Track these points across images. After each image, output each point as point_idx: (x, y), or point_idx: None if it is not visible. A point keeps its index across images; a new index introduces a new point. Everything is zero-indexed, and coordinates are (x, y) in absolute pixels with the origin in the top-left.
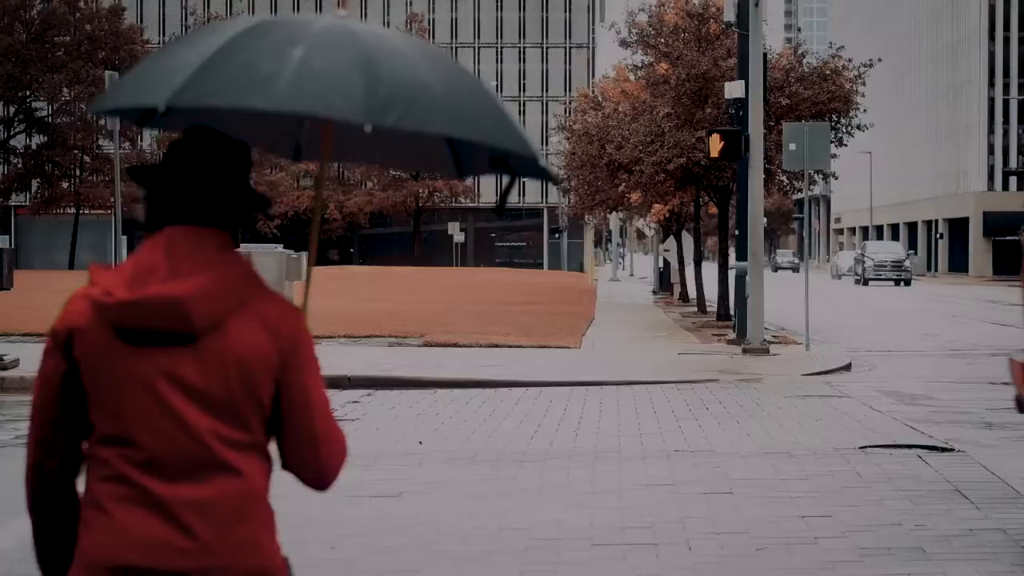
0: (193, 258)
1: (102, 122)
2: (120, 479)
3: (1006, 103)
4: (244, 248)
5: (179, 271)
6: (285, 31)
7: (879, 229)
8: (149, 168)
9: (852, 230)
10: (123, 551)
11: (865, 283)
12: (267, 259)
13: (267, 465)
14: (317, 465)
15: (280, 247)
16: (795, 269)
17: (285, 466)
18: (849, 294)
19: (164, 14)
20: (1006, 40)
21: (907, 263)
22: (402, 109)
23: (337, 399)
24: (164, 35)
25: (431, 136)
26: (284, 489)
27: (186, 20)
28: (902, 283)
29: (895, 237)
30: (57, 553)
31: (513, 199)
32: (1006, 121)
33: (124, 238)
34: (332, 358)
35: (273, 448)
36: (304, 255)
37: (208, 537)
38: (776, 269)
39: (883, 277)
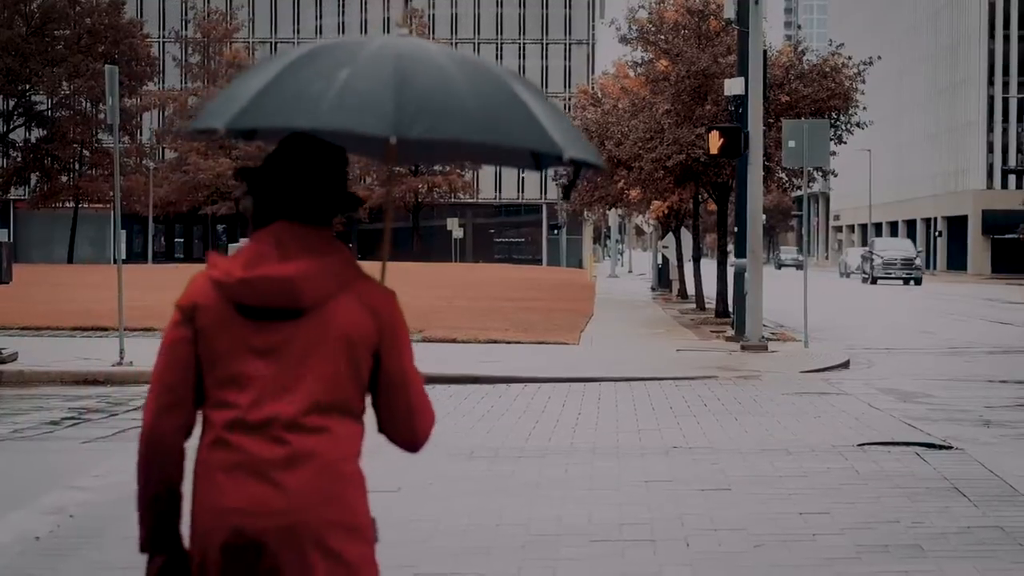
0: (299, 247)
1: (101, 116)
2: (225, 443)
3: (1005, 101)
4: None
5: (288, 257)
6: (338, 54)
7: (878, 227)
8: (255, 170)
9: (851, 227)
10: (230, 513)
11: (873, 281)
12: None
13: (361, 429)
14: (411, 433)
15: None
16: (799, 266)
17: (381, 430)
18: (854, 292)
19: (164, 8)
20: (1006, 38)
21: (918, 261)
22: (429, 121)
23: None
24: (164, 29)
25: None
26: None
27: (186, 14)
28: (912, 282)
29: (894, 235)
30: (160, 503)
31: (512, 195)
32: (1005, 119)
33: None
34: None
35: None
36: None
37: (306, 495)
38: (780, 266)
39: (892, 276)
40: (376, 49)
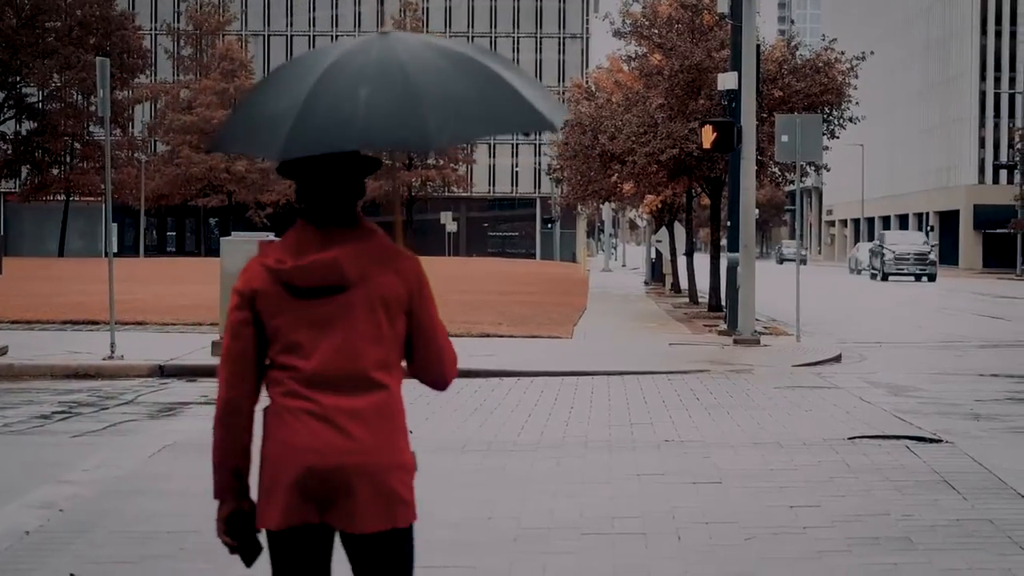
0: (338, 235)
1: (92, 108)
2: (295, 394)
3: (997, 96)
4: (235, 236)
5: (330, 244)
6: (349, 71)
7: (870, 221)
8: (299, 174)
9: (844, 222)
10: (298, 452)
11: (884, 278)
12: (257, 247)
13: (401, 375)
14: (440, 375)
15: (271, 235)
16: (802, 261)
17: (411, 374)
18: (862, 289)
19: (156, 0)
20: (997, 34)
21: (932, 255)
22: (453, 129)
23: None
24: (156, 21)
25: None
26: None
27: (178, 7)
28: (925, 278)
29: (886, 229)
30: (231, 459)
31: (506, 189)
32: (997, 115)
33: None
34: None
35: None
36: None
37: (363, 438)
38: (781, 261)
39: (905, 272)
40: (379, 60)
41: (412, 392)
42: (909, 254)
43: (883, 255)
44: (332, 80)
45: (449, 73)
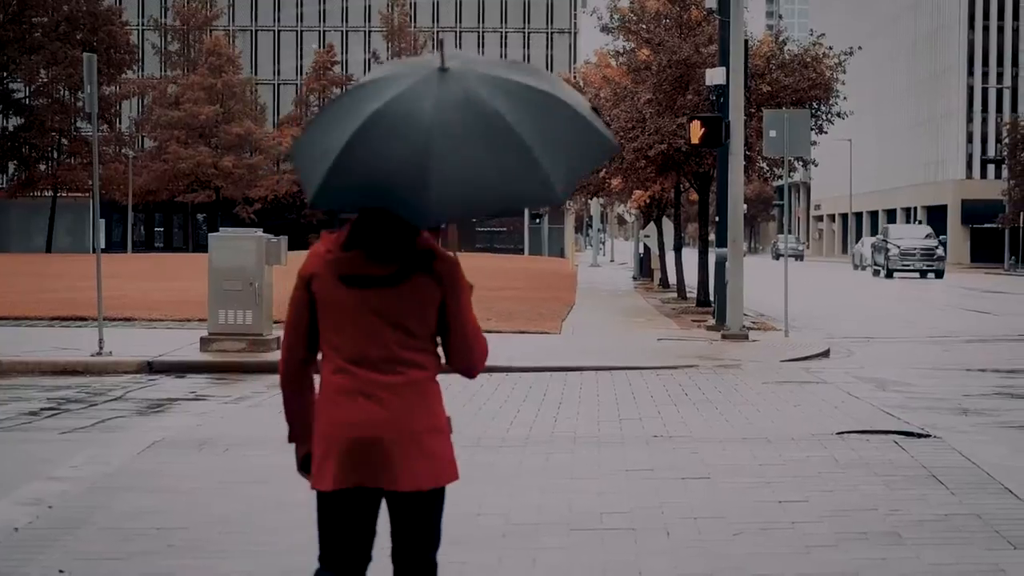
0: (392, 234)
1: (80, 104)
2: (343, 370)
3: (985, 91)
4: (223, 232)
5: (383, 243)
6: (385, 126)
7: (858, 216)
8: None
9: (832, 217)
10: (344, 426)
11: (889, 275)
12: (246, 243)
13: (437, 358)
14: (469, 363)
15: (259, 231)
16: (799, 257)
17: (447, 362)
18: (863, 286)
19: None
20: (985, 28)
21: (940, 251)
22: (458, 211)
23: (317, 383)
24: (143, 17)
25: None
26: (266, 474)
27: (165, 2)
28: (932, 275)
29: (874, 225)
30: (298, 412)
31: None
32: (984, 109)
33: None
34: None
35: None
36: (283, 239)
37: (398, 408)
38: (777, 256)
39: (911, 268)
40: (409, 118)
41: None
42: (915, 249)
43: (888, 250)
44: (368, 134)
45: (471, 145)
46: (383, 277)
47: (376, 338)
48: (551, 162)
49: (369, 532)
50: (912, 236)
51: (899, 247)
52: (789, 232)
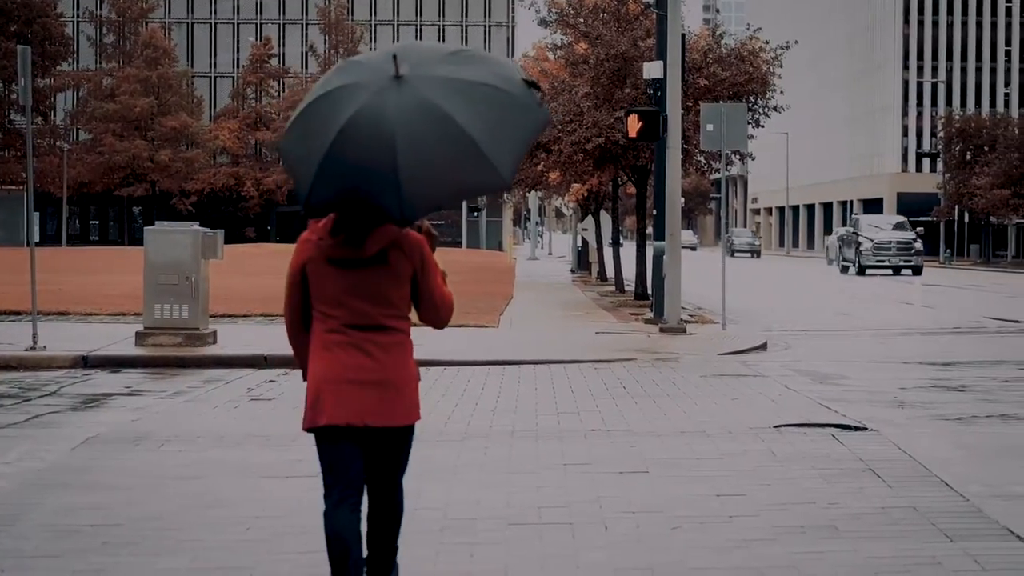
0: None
1: (14, 96)
2: (335, 331)
3: (920, 85)
4: (159, 225)
5: (361, 228)
6: (357, 137)
7: (795, 209)
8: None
9: (768, 210)
10: (336, 371)
11: (861, 271)
12: (182, 237)
13: (410, 321)
14: (437, 319)
15: (196, 225)
16: (756, 253)
17: (421, 319)
18: (830, 283)
19: None
20: (920, 23)
21: (918, 244)
22: (423, 203)
23: (253, 379)
24: (78, 9)
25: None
26: (201, 470)
27: None
28: (908, 271)
29: (811, 218)
30: (304, 360)
31: None
32: (920, 103)
33: (37, 214)
34: (249, 337)
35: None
36: (220, 233)
37: (385, 361)
38: (733, 252)
39: (886, 264)
40: (377, 128)
41: None
42: (890, 243)
43: (859, 244)
44: (342, 146)
45: (429, 148)
46: (365, 259)
47: (361, 307)
48: (497, 152)
49: (359, 463)
50: (886, 227)
51: (872, 240)
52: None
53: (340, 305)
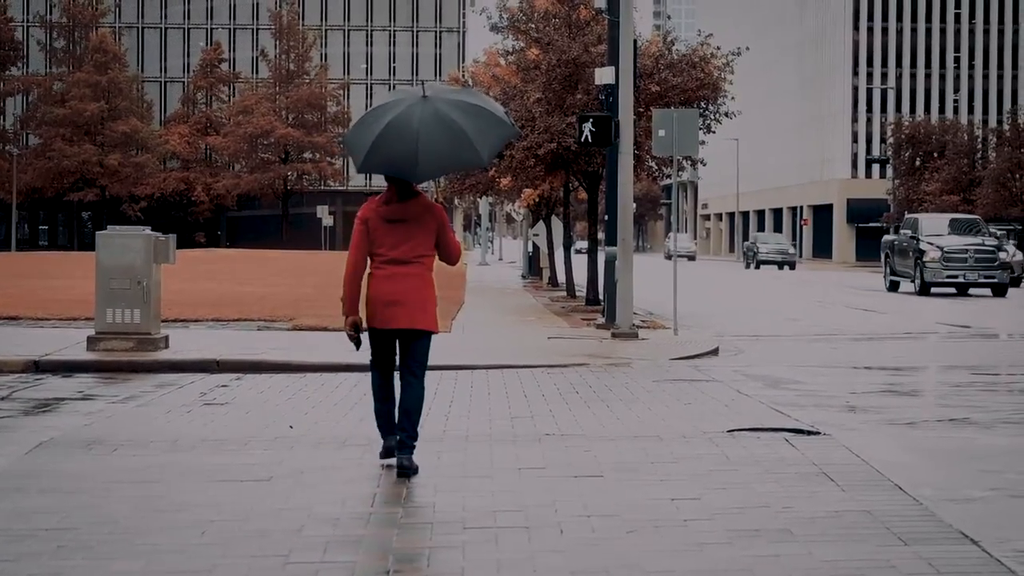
0: (406, 193)
1: None
2: (382, 267)
3: (869, 91)
4: (111, 230)
5: (403, 199)
6: (395, 129)
7: (745, 215)
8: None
9: (719, 216)
10: (384, 292)
11: (924, 290)
12: (134, 241)
13: (433, 258)
14: (451, 259)
15: (147, 229)
16: (690, 257)
17: (440, 258)
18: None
19: None
20: (869, 30)
21: (1004, 253)
22: (434, 171)
23: (206, 383)
24: (28, 13)
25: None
26: (155, 474)
27: None
28: (990, 290)
29: (761, 224)
30: (353, 298)
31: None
32: (869, 109)
33: None
34: (201, 341)
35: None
36: (172, 238)
37: (412, 285)
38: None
39: (961, 280)
40: (407, 127)
41: (291, 386)
42: (966, 251)
43: (921, 253)
44: (388, 130)
45: (436, 135)
46: (409, 219)
47: (402, 249)
48: (480, 144)
49: (393, 351)
50: (956, 230)
51: (940, 248)
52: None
53: (390, 248)
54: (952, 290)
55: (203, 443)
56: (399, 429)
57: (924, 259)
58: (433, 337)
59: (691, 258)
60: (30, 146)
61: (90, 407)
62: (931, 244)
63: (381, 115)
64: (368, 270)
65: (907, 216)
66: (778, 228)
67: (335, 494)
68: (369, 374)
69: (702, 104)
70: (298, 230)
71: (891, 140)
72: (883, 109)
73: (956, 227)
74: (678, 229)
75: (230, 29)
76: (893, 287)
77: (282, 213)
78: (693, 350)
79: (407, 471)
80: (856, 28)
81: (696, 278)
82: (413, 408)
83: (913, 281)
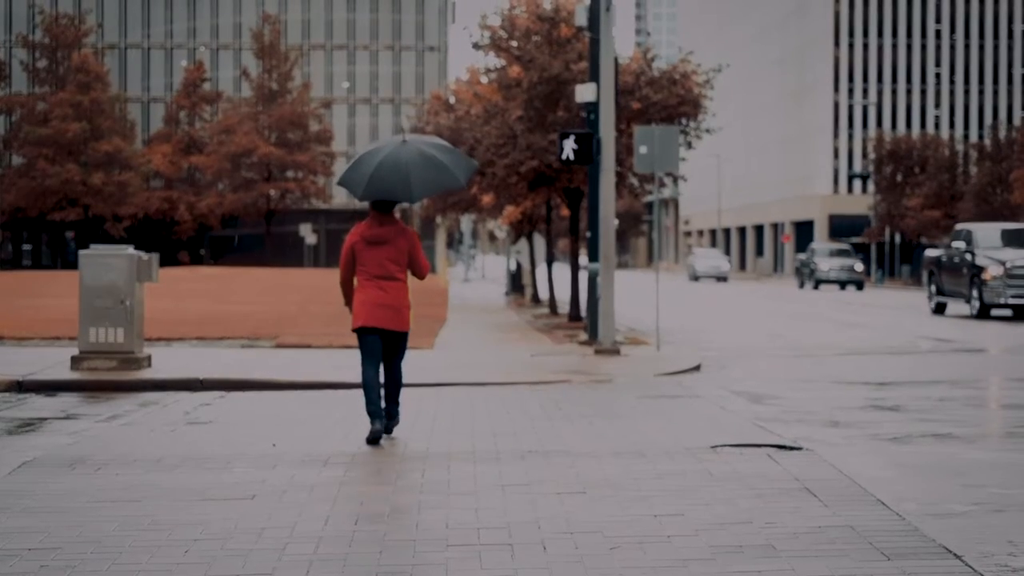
0: (383, 221)
1: None
2: (368, 280)
3: (851, 107)
4: (94, 249)
5: (381, 225)
6: (389, 164)
7: (727, 232)
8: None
9: (700, 232)
10: (370, 299)
11: (984, 312)
12: (118, 260)
13: (407, 274)
14: (420, 275)
15: (131, 248)
16: (722, 278)
17: (412, 273)
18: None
19: (11, 12)
20: (851, 46)
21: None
22: (421, 194)
23: (189, 402)
24: (11, 33)
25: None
26: (139, 493)
27: (33, 19)
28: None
29: (743, 240)
30: (350, 297)
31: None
32: (851, 125)
33: None
34: (184, 360)
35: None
36: (155, 256)
37: (393, 294)
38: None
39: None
40: (399, 160)
41: (275, 404)
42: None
43: (976, 271)
44: (381, 167)
45: (422, 167)
46: (386, 241)
47: (383, 266)
48: (456, 170)
49: (379, 349)
50: (1012, 245)
51: (1003, 263)
52: (660, 248)
53: (372, 265)
54: (1008, 312)
55: (187, 462)
56: (390, 402)
57: (984, 277)
58: (415, 354)
59: (721, 278)
60: (13, 166)
61: (74, 426)
62: (991, 259)
63: (372, 157)
64: (359, 277)
65: (957, 227)
66: (759, 247)
67: (318, 512)
68: (352, 391)
69: (683, 120)
70: (281, 248)
71: (872, 156)
72: (864, 125)
73: (1010, 239)
74: (660, 246)
75: (213, 49)
76: (939, 309)
77: (265, 232)
78: (676, 366)
79: (391, 427)
80: (837, 44)
81: (694, 297)
82: (398, 381)
83: (968, 302)
